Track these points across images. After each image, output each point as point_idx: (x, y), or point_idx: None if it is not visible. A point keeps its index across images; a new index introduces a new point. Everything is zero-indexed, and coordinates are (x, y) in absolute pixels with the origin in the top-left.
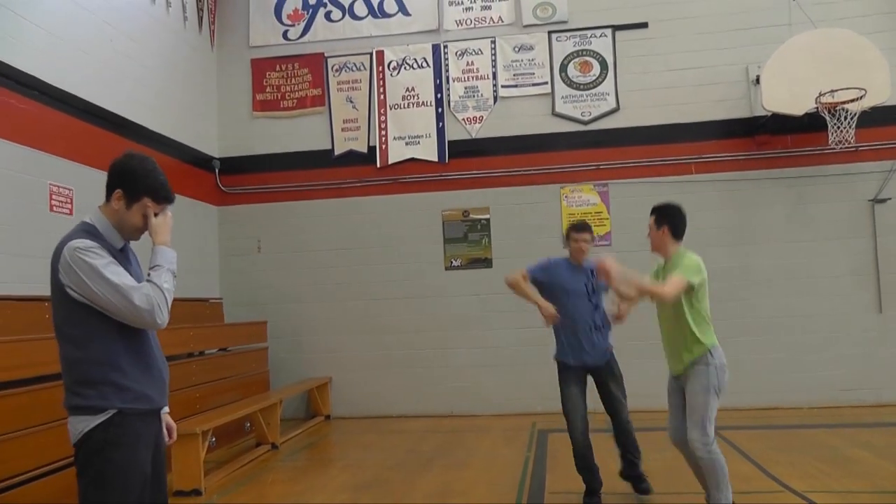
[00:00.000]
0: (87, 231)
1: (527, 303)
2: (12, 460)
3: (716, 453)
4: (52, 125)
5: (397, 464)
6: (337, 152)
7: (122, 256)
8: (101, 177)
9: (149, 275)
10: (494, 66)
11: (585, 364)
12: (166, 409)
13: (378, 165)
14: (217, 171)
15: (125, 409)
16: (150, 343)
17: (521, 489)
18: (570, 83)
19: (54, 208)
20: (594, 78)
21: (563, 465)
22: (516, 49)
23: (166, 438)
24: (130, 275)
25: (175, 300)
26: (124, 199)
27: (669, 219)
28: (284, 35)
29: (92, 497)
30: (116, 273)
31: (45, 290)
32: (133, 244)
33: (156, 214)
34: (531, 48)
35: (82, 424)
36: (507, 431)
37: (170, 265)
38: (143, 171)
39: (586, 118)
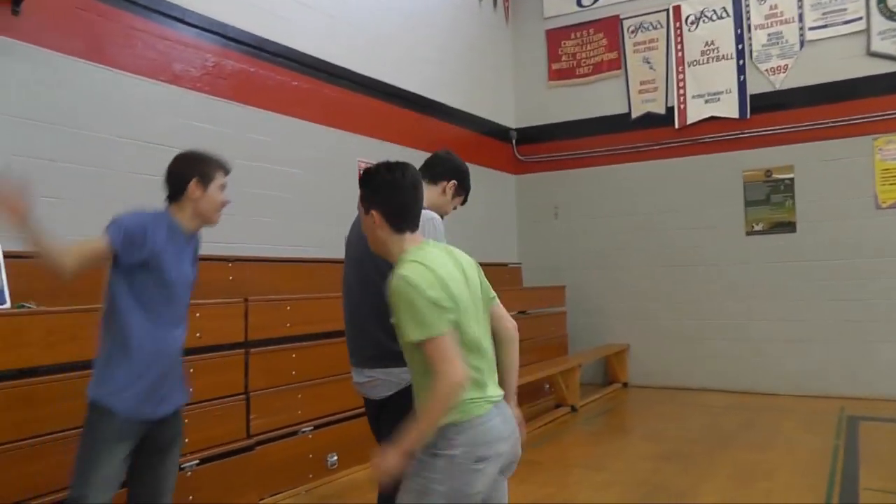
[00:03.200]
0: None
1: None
2: (329, 401)
3: None
4: (358, 108)
5: (697, 438)
6: (634, 115)
7: None
8: (402, 152)
9: None
10: (800, 7)
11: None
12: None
13: (676, 126)
14: (514, 141)
15: None
16: None
17: (832, 482)
18: (889, 14)
19: None
20: None
21: (880, 458)
22: None
23: None
24: None
25: None
26: (454, 190)
27: (384, 192)
28: (578, 2)
29: None
30: None
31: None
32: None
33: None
34: None
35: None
36: (812, 415)
37: None
38: (466, 169)
39: None
